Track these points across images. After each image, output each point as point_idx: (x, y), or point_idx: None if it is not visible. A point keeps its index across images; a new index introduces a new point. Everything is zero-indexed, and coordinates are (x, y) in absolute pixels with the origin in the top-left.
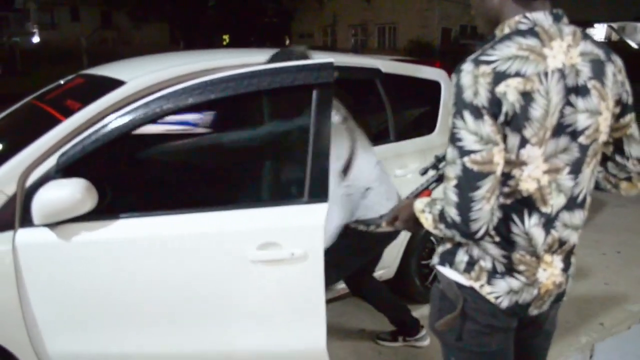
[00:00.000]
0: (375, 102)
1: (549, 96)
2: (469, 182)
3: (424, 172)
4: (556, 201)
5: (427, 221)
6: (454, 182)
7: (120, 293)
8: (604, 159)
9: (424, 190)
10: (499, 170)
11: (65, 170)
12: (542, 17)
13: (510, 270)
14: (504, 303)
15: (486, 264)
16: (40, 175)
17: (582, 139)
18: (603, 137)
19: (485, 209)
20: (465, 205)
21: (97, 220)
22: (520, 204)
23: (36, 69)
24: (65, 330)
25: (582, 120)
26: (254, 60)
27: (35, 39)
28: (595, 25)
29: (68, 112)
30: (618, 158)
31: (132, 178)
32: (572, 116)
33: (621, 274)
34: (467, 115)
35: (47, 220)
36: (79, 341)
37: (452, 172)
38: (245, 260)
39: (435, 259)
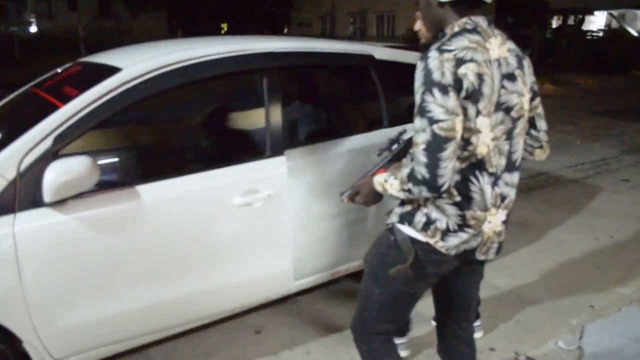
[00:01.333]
0: (369, 89)
1: (493, 79)
2: (437, 145)
3: (380, 153)
4: (498, 162)
5: (391, 187)
6: (423, 146)
7: (132, 254)
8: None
9: (380, 169)
10: (459, 136)
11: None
12: (480, 21)
13: (462, 226)
14: (453, 252)
15: (441, 224)
16: (36, 157)
17: (513, 114)
18: (526, 114)
19: (449, 166)
20: (433, 163)
21: (100, 193)
22: (474, 167)
23: (34, 58)
24: (78, 301)
25: (513, 99)
26: (249, 47)
27: (33, 29)
28: (595, 12)
29: (66, 99)
30: (533, 132)
31: (127, 153)
32: (506, 96)
33: (613, 258)
34: (435, 91)
35: (58, 197)
36: (93, 309)
37: (421, 138)
38: (232, 205)
39: (394, 218)
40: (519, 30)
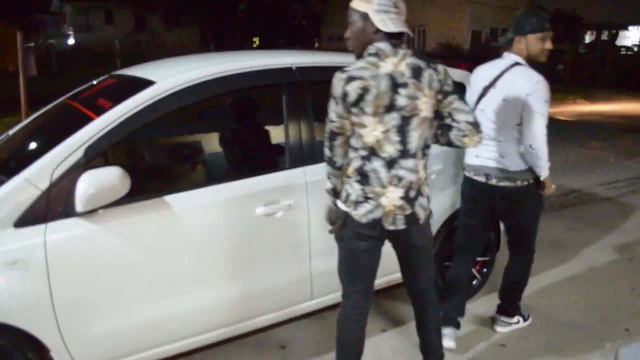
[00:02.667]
0: None
1: (379, 88)
2: (332, 137)
3: None
4: (389, 150)
5: (325, 185)
6: (326, 136)
7: (160, 263)
8: (450, 127)
9: None
10: (347, 132)
11: (92, 161)
12: (384, 46)
13: (365, 199)
14: (364, 220)
15: (353, 197)
16: (69, 168)
17: (404, 113)
18: (425, 113)
19: (339, 152)
20: (330, 149)
21: (132, 203)
22: (368, 152)
23: (71, 70)
24: (106, 311)
25: (402, 102)
26: (279, 62)
27: (71, 41)
28: (630, 28)
29: (100, 111)
30: (454, 124)
31: (157, 163)
32: (398, 99)
33: None
34: (332, 102)
35: (89, 207)
36: (121, 319)
37: (326, 130)
38: (255, 215)
39: (335, 199)
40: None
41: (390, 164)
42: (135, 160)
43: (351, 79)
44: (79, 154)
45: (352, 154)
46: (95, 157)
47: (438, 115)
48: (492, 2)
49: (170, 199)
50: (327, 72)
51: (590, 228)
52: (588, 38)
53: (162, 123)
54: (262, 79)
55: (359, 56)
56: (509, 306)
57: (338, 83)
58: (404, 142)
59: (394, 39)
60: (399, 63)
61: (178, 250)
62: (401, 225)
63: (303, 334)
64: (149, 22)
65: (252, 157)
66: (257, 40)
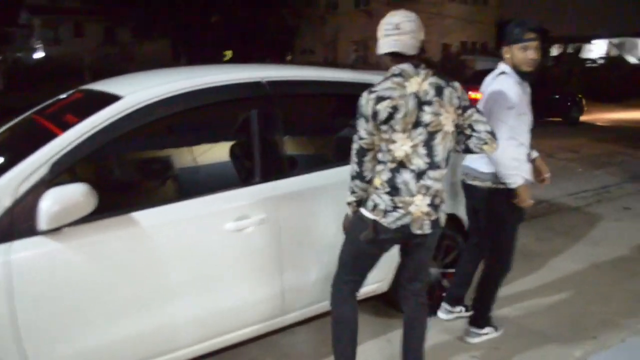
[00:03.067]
0: None
1: (407, 107)
2: (361, 152)
3: None
4: (417, 162)
5: (347, 198)
6: (354, 152)
7: (127, 281)
8: (470, 136)
9: None
10: (377, 148)
11: (57, 177)
12: (406, 67)
13: (394, 208)
14: (392, 226)
15: (381, 207)
16: (33, 184)
17: (429, 128)
18: (448, 127)
19: (369, 166)
20: (359, 164)
21: (98, 220)
22: (398, 165)
23: (39, 84)
24: (72, 331)
25: (428, 118)
26: (249, 76)
27: (39, 55)
28: (594, 41)
29: (66, 126)
30: (475, 134)
31: (123, 179)
32: (423, 116)
33: (616, 288)
34: (362, 119)
35: (54, 225)
36: (88, 338)
37: (354, 147)
38: (225, 230)
39: (362, 207)
40: None
41: (419, 175)
42: (102, 176)
43: (380, 99)
44: (44, 170)
45: (379, 167)
46: (61, 173)
47: (458, 126)
48: (461, 16)
49: (138, 215)
50: (298, 86)
51: (559, 237)
52: (555, 51)
53: (130, 138)
54: (232, 93)
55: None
56: (479, 315)
57: (367, 102)
58: (430, 154)
59: (411, 59)
60: (422, 82)
61: (146, 267)
62: (427, 230)
63: (275, 349)
64: (119, 35)
65: (223, 172)
66: (229, 53)
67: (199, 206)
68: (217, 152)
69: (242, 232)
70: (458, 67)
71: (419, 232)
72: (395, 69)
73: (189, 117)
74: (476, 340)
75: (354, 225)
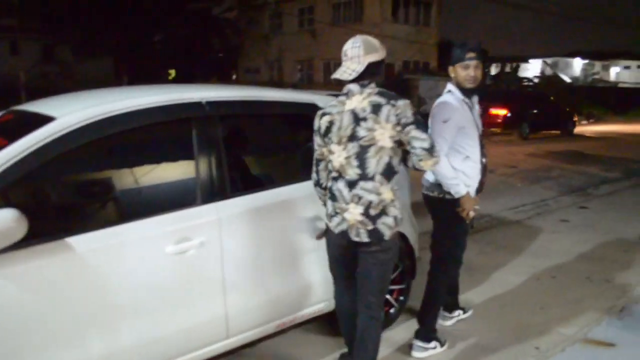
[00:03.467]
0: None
1: (342, 122)
2: (316, 163)
3: None
4: (350, 172)
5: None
6: (313, 162)
7: (62, 309)
8: (409, 153)
9: None
10: (326, 158)
11: None
12: (353, 87)
13: (335, 213)
14: (336, 230)
15: (329, 211)
16: None
17: (362, 142)
18: (383, 143)
19: (323, 175)
20: (316, 173)
21: (30, 247)
22: (337, 174)
23: None
24: None
25: (362, 133)
26: (189, 96)
27: None
28: (530, 60)
29: None
30: (412, 150)
31: (57, 203)
32: (359, 131)
33: (556, 298)
34: (315, 134)
35: None
36: None
37: (314, 158)
38: (165, 254)
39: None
40: None
41: (351, 184)
42: (36, 200)
43: (323, 115)
44: None
45: (327, 176)
46: None
47: (401, 143)
48: (403, 36)
49: (73, 240)
50: (239, 106)
51: (500, 251)
52: (493, 70)
53: (65, 160)
54: (171, 114)
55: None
56: (425, 329)
57: (316, 118)
58: (362, 166)
59: (361, 80)
60: (362, 100)
61: (83, 294)
62: (365, 238)
63: None
64: (58, 53)
65: (163, 193)
66: (172, 72)
67: (139, 229)
68: (157, 174)
69: (183, 255)
70: (402, 86)
71: (356, 239)
72: (345, 88)
73: (127, 138)
74: (423, 354)
75: (322, 231)
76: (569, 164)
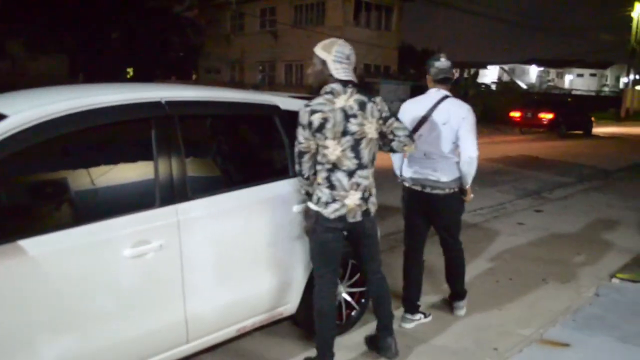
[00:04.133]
0: (275, 138)
1: (335, 119)
2: (300, 155)
3: None
4: (347, 164)
5: (301, 188)
6: (296, 155)
7: (15, 315)
8: (392, 140)
9: None
10: (312, 151)
11: None
12: (335, 86)
13: (333, 200)
14: (332, 216)
15: (323, 199)
16: None
17: (355, 136)
18: (371, 135)
19: (306, 166)
20: (299, 164)
21: None
22: (333, 166)
23: None
24: None
25: (354, 128)
26: (148, 95)
27: None
28: (488, 67)
29: None
30: (396, 138)
31: (8, 205)
32: (349, 126)
33: (513, 300)
34: (300, 128)
35: None
36: None
37: (295, 151)
38: (123, 257)
39: (308, 201)
40: (420, 81)
41: (350, 174)
42: None
43: (314, 112)
44: None
45: (319, 167)
46: None
47: (382, 133)
48: (364, 40)
49: (25, 243)
50: (199, 107)
51: None
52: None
53: (17, 160)
54: (130, 114)
55: (316, 90)
56: (459, 292)
57: (304, 114)
58: (357, 157)
59: (343, 81)
60: (348, 99)
61: (35, 299)
62: (359, 218)
63: None
64: (9, 48)
65: (121, 195)
66: (130, 70)
67: (95, 232)
68: (115, 175)
69: (141, 259)
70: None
71: (352, 220)
72: (328, 87)
73: (83, 137)
74: (410, 325)
75: (306, 221)
76: (521, 168)
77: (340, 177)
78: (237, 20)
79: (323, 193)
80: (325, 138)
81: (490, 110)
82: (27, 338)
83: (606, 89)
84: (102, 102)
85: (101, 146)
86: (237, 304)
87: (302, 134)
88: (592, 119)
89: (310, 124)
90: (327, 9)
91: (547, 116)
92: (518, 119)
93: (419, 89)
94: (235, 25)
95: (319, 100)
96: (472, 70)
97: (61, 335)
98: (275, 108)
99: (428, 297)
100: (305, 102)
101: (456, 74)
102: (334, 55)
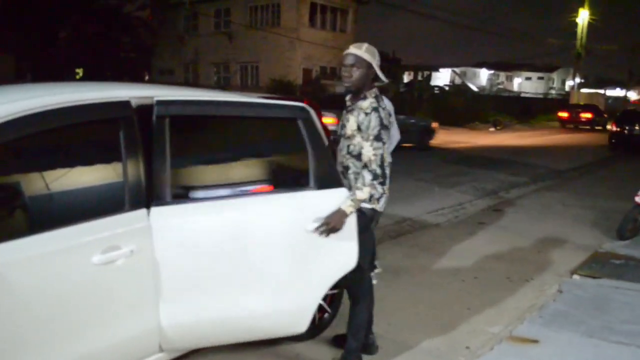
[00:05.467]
0: (298, 143)
1: (388, 118)
2: (382, 158)
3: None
4: (388, 159)
5: (358, 200)
6: (378, 159)
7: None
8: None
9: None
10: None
11: None
12: (376, 90)
13: (382, 195)
14: (381, 209)
15: (377, 195)
16: None
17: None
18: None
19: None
20: (381, 167)
21: None
22: (387, 163)
23: None
24: None
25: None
26: (115, 94)
27: None
28: (441, 69)
29: None
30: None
31: None
32: (390, 125)
33: (480, 298)
34: (383, 130)
35: None
36: None
37: (377, 155)
38: (91, 264)
39: (357, 204)
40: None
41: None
42: None
43: (383, 111)
44: None
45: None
46: None
47: None
48: (320, 41)
49: None
50: (192, 107)
51: (424, 253)
52: (406, 78)
53: None
54: (97, 113)
55: (354, 92)
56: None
57: (384, 114)
58: (389, 154)
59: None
60: (383, 100)
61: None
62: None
63: None
64: None
65: (85, 199)
66: (80, 71)
67: (61, 238)
68: (82, 177)
69: (111, 265)
70: (318, 91)
71: (382, 210)
72: (376, 90)
73: (49, 138)
74: None
75: (359, 220)
76: (481, 168)
77: (388, 172)
78: (190, 20)
79: (377, 190)
80: (386, 136)
81: (443, 111)
82: None
83: (553, 91)
84: (69, 100)
85: (69, 148)
86: (227, 320)
87: (385, 135)
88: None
89: (385, 126)
90: (282, 11)
91: (587, 115)
92: (566, 118)
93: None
94: (189, 25)
95: (376, 101)
96: (426, 73)
97: (29, 348)
98: (300, 109)
99: (398, 297)
100: (371, 101)
101: (410, 76)
102: (378, 60)
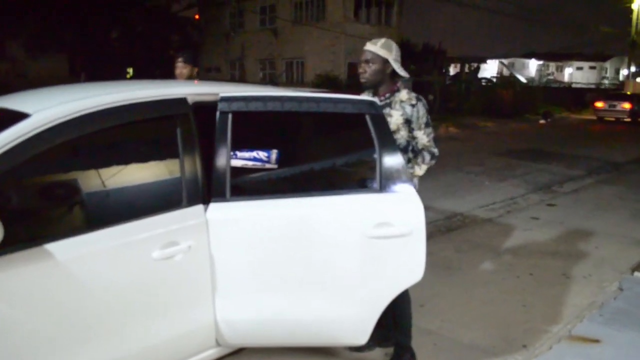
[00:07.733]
0: (364, 140)
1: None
2: (435, 141)
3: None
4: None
5: (420, 172)
6: (433, 140)
7: (43, 320)
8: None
9: None
10: None
11: None
12: (399, 84)
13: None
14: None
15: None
16: None
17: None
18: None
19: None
20: (437, 147)
21: (7, 254)
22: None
23: None
24: None
25: None
26: (172, 92)
27: None
28: (488, 61)
29: None
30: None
31: (35, 207)
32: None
33: (537, 296)
34: (428, 114)
35: None
36: None
37: (432, 136)
38: (151, 259)
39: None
40: (421, 76)
41: None
42: (10, 204)
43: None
44: None
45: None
46: None
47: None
48: (366, 35)
49: (53, 247)
50: (257, 103)
51: (477, 249)
52: (452, 70)
53: (41, 160)
54: (155, 111)
55: (370, 88)
56: None
57: (425, 102)
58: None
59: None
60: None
61: (63, 305)
62: None
63: None
64: (9, 49)
65: (145, 195)
66: (130, 70)
67: (123, 234)
68: (141, 174)
69: (170, 261)
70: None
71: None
72: (401, 84)
73: (109, 136)
74: None
75: None
76: (531, 161)
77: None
78: (237, 17)
79: (420, 168)
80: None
81: (492, 104)
82: (51, 347)
83: (606, 81)
84: (131, 98)
85: (128, 145)
86: (284, 321)
87: (429, 119)
88: None
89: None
90: (327, 5)
91: (626, 106)
92: (601, 108)
93: (419, 85)
94: (235, 22)
95: (409, 92)
96: (473, 65)
97: (87, 342)
98: (369, 104)
99: (450, 294)
100: (406, 91)
101: (456, 68)
102: (395, 55)
